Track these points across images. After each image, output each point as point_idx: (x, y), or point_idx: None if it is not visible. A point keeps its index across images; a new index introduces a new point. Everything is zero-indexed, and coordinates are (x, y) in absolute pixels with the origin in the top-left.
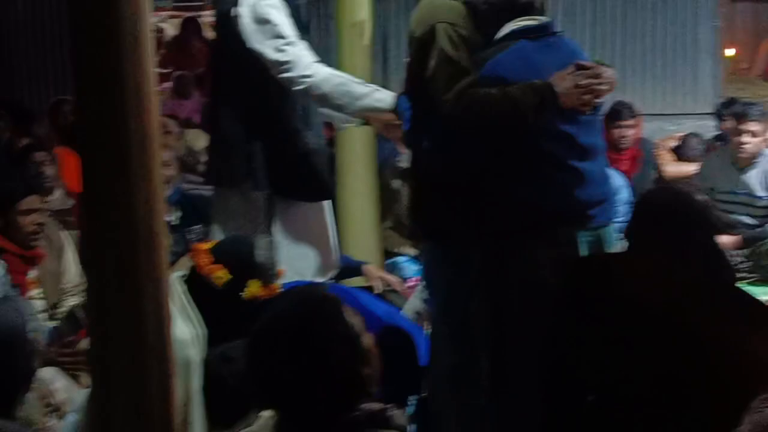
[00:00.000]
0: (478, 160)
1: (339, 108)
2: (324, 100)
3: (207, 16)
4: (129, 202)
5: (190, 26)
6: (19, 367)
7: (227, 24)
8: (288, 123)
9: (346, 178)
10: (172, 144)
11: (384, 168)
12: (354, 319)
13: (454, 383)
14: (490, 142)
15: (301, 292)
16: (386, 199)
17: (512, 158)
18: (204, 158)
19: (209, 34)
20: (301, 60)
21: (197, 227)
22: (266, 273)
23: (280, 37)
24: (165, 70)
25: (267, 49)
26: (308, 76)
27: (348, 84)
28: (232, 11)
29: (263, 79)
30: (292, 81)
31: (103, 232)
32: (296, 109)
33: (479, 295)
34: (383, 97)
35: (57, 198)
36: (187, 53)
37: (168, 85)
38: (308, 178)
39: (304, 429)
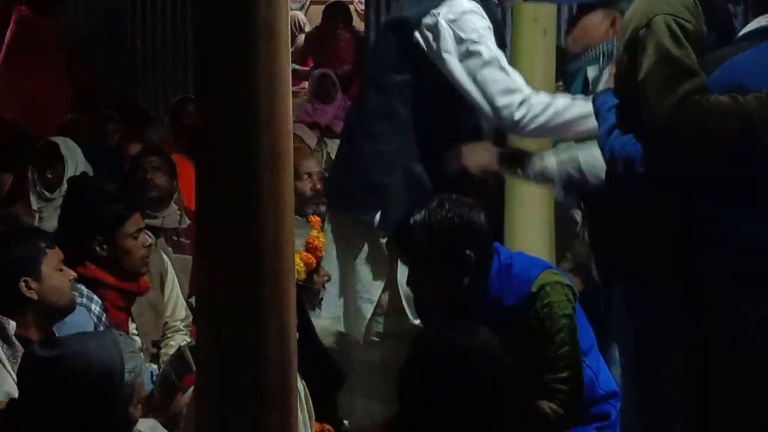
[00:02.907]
0: (699, 186)
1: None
2: (537, 133)
3: (358, 3)
4: (253, 227)
5: (337, 14)
6: (115, 412)
7: (401, 30)
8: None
9: (514, 208)
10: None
11: None
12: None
13: None
14: (716, 164)
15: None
16: (564, 234)
17: (743, 186)
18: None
19: (359, 24)
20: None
21: None
22: None
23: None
24: (303, 68)
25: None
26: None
27: (559, 110)
28: (427, 19)
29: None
30: (507, 121)
31: (220, 260)
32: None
33: (681, 350)
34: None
35: (170, 215)
36: (331, 47)
37: (306, 85)
38: None
39: None
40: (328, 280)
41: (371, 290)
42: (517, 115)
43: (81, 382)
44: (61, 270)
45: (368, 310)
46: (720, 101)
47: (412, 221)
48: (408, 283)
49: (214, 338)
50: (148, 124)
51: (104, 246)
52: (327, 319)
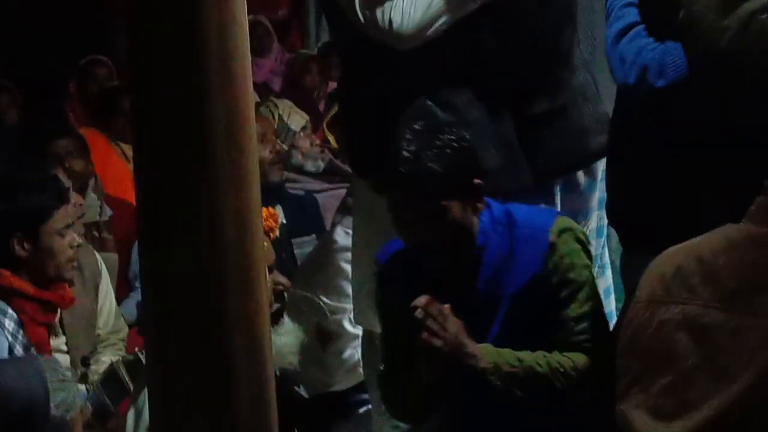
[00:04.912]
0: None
1: None
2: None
3: None
4: (213, 215)
5: None
6: None
7: None
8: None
9: None
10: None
11: None
12: None
13: None
14: None
15: None
16: None
17: None
18: (304, 142)
19: None
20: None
21: (308, 238)
22: None
23: None
24: None
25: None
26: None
27: None
28: None
29: None
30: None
31: (172, 259)
32: None
33: None
34: None
35: (88, 206)
36: None
37: None
38: None
39: None
40: (283, 288)
41: None
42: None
43: None
44: None
45: None
46: None
47: (413, 149)
48: (404, 233)
49: (167, 358)
50: (48, 92)
51: (25, 245)
52: (285, 336)
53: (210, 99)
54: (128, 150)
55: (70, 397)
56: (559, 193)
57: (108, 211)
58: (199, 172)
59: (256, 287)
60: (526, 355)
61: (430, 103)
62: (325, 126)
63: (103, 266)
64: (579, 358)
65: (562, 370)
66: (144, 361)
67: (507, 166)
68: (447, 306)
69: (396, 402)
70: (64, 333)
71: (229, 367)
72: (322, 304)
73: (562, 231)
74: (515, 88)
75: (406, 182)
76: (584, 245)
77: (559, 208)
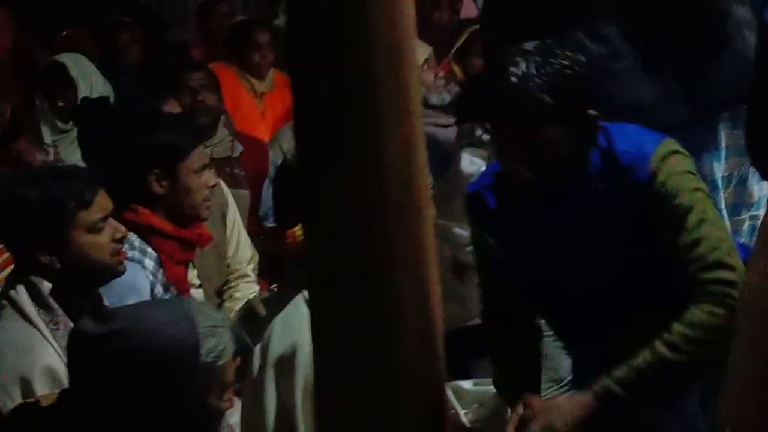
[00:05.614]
0: None
1: None
2: None
3: None
4: (375, 149)
5: None
6: (187, 405)
7: None
8: None
9: None
10: None
11: None
12: None
13: None
14: None
15: None
16: None
17: None
18: (428, 75)
19: None
20: None
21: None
22: None
23: None
24: None
25: None
26: None
27: None
28: None
29: None
30: None
31: (333, 195)
32: None
33: None
34: None
35: (220, 142)
36: None
37: None
38: None
39: None
40: None
41: None
42: None
43: (140, 367)
44: (100, 228)
45: None
46: None
47: (521, 73)
48: (507, 166)
49: (327, 297)
50: (166, 29)
51: (162, 183)
52: None
53: (371, 29)
54: (258, 85)
55: (222, 343)
56: (723, 129)
57: (239, 147)
58: (360, 106)
59: (420, 221)
60: (635, 358)
61: (581, 34)
62: (451, 57)
63: (230, 196)
64: (695, 313)
65: (676, 341)
66: (278, 297)
67: (662, 100)
68: (528, 412)
69: None
70: (194, 266)
71: (395, 303)
72: (456, 234)
73: (666, 155)
74: (671, 18)
75: (509, 110)
76: (691, 170)
77: (723, 145)
